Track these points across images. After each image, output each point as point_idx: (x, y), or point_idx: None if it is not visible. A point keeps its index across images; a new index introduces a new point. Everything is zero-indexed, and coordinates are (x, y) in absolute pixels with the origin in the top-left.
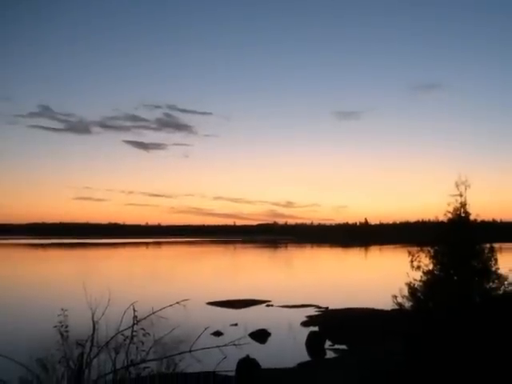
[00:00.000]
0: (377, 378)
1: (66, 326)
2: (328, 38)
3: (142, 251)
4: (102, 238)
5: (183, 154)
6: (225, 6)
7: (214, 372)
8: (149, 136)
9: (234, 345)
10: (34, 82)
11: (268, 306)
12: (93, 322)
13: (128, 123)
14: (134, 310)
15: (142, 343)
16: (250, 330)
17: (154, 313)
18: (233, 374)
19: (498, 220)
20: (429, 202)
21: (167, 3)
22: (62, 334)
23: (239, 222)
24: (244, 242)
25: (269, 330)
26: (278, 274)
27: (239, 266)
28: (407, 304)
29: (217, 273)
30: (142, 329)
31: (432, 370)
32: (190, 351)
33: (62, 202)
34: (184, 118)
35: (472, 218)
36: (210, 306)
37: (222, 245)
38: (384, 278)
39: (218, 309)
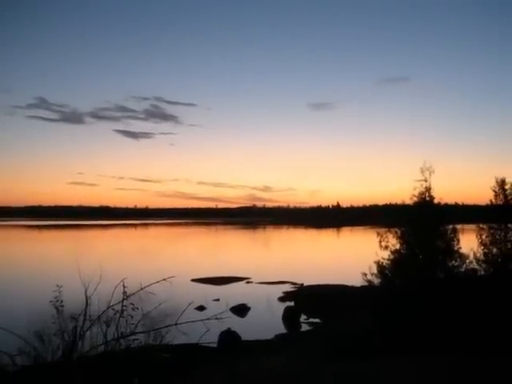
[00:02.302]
0: (347, 348)
1: (61, 301)
2: (305, 35)
3: (131, 232)
4: (94, 220)
5: (169, 142)
6: (209, 3)
7: (197, 343)
8: (137, 126)
9: (216, 318)
10: (32, 76)
11: (247, 282)
12: (85, 297)
13: (118, 114)
14: (124, 286)
15: (131, 317)
16: (231, 305)
17: (142, 289)
18: (215, 345)
19: (460, 203)
20: (396, 187)
21: (155, 3)
22: (57, 309)
23: (221, 205)
24: (225, 223)
25: (248, 305)
26: (257, 253)
27: (221, 245)
28: (376, 281)
29: (200, 252)
30: (131, 303)
31: (397, 339)
32: (176, 324)
33: (58, 186)
34: (170, 109)
35: (436, 201)
36: (193, 283)
37: (205, 226)
38: (354, 257)
39: (202, 285)
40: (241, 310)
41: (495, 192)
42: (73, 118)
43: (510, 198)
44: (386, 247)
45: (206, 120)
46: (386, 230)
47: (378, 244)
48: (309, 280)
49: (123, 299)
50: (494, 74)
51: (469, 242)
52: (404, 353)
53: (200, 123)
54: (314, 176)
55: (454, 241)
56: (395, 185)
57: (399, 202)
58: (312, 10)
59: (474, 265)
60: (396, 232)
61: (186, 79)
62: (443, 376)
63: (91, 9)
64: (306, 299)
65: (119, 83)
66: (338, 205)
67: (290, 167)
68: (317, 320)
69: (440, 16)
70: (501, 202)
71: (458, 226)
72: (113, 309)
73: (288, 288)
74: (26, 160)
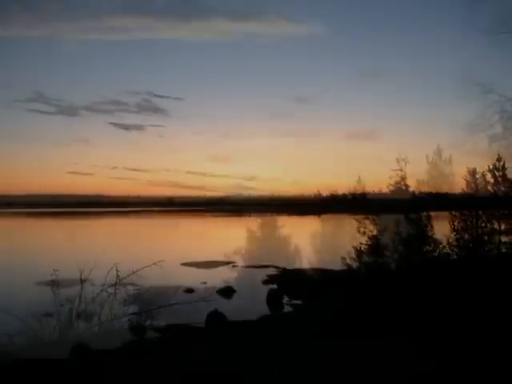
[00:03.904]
0: (325, 329)
1: (58, 285)
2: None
3: (124, 219)
4: (89, 208)
5: (159, 134)
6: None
7: (186, 324)
8: (129, 118)
9: (204, 300)
10: (31, 72)
11: (233, 266)
12: (81, 280)
13: (112, 107)
14: (117, 270)
15: (124, 299)
16: (218, 288)
17: (134, 272)
18: (203, 325)
19: (434, 192)
20: (373, 176)
21: (146, 4)
22: (54, 292)
23: (208, 194)
24: (212, 211)
25: (234, 288)
26: (242, 239)
27: (208, 231)
28: (354, 265)
29: (188, 237)
30: (124, 286)
31: (371, 321)
32: (166, 306)
33: (55, 176)
34: (160, 103)
35: (411, 189)
36: (182, 267)
37: (194, 213)
38: (334, 243)
39: (190, 269)
40: (227, 292)
41: (467, 181)
42: (69, 111)
43: (480, 186)
44: (364, 233)
45: (193, 113)
46: (364, 216)
47: (356, 230)
48: (291, 264)
49: (116, 282)
50: (468, 70)
51: (442, 228)
52: (378, 335)
53: (188, 116)
54: (296, 166)
55: (427, 227)
56: (372, 174)
57: (376, 190)
58: (297, 9)
59: (447, 250)
60: (373, 219)
61: (175, 76)
62: (414, 356)
63: (86, 12)
64: (288, 282)
65: (113, 79)
66: (319, 193)
67: (275, 158)
68: (298, 302)
69: (417, 13)
70: (472, 191)
71: (432, 213)
72: (106, 291)
73: (271, 272)
74: (25, 151)
